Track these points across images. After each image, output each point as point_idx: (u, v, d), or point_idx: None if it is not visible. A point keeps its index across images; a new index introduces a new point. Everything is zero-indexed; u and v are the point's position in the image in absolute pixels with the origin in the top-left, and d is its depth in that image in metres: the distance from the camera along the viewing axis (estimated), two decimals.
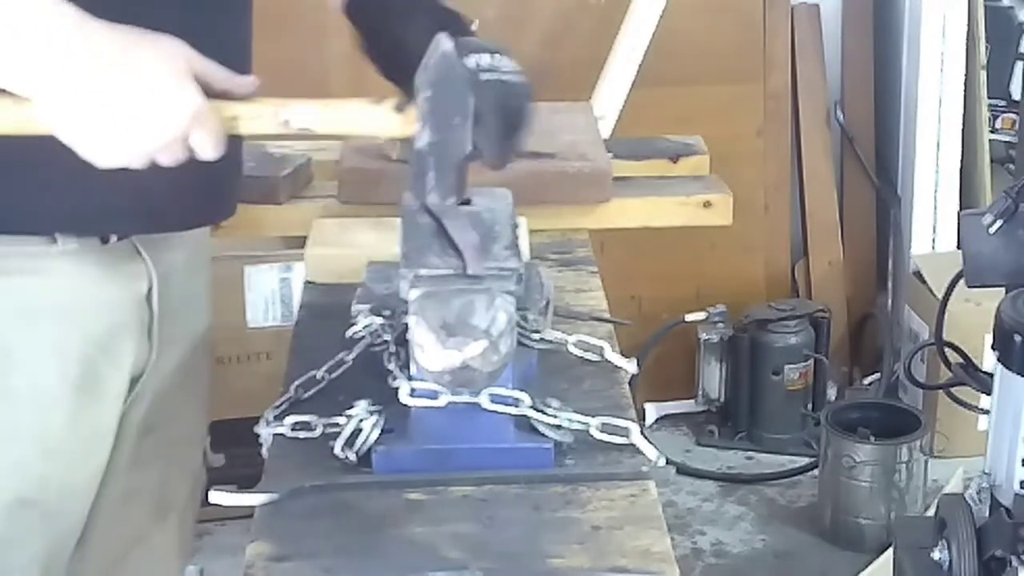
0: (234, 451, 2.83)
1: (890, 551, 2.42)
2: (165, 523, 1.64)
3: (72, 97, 1.18)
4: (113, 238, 1.44)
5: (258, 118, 1.28)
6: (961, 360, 1.67)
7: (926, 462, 3.07)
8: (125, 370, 1.47)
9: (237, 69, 1.47)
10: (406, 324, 1.31)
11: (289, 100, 1.29)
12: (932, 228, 3.59)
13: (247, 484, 1.28)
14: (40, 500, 1.41)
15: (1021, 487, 1.48)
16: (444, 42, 1.27)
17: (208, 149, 1.24)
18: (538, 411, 1.31)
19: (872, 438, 3.06)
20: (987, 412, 1.57)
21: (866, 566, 2.84)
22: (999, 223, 1.52)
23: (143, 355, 1.50)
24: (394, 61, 1.54)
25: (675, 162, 2.23)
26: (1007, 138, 3.75)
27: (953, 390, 1.73)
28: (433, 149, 1.26)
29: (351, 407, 1.34)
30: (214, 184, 1.48)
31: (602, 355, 1.50)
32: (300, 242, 1.86)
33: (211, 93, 1.24)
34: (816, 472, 3.23)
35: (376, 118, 1.30)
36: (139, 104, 1.19)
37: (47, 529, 1.43)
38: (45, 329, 1.39)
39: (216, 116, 1.24)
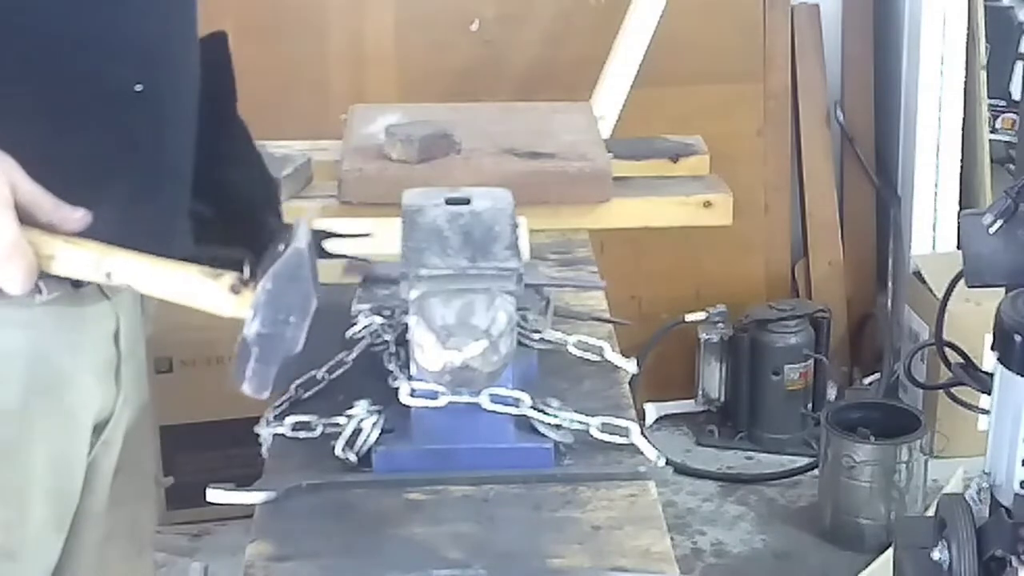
0: (233, 451, 2.83)
1: (890, 551, 2.42)
2: (140, 560, 1.59)
3: None
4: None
5: (76, 262, 1.17)
6: (961, 360, 1.67)
7: (926, 462, 3.07)
8: (92, 413, 1.41)
9: (184, 40, 1.38)
10: (406, 324, 1.31)
11: (116, 250, 1.18)
12: (932, 228, 3.59)
13: (247, 484, 1.28)
14: (8, 547, 1.33)
15: (1021, 487, 1.48)
16: (301, 237, 1.19)
17: (15, 286, 1.14)
18: (538, 411, 1.31)
19: (872, 438, 3.05)
20: (987, 412, 1.57)
21: (866, 566, 2.83)
22: (999, 223, 1.52)
23: (110, 396, 1.44)
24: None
25: (675, 162, 2.24)
26: (1007, 138, 3.74)
27: (953, 390, 1.74)
28: (259, 341, 1.18)
29: (351, 407, 1.34)
30: (164, 220, 1.38)
31: (602, 355, 1.50)
32: None
33: (35, 223, 1.14)
34: (816, 472, 3.22)
35: (207, 293, 1.19)
36: None
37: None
38: (24, 379, 1.31)
39: (30, 252, 1.14)
